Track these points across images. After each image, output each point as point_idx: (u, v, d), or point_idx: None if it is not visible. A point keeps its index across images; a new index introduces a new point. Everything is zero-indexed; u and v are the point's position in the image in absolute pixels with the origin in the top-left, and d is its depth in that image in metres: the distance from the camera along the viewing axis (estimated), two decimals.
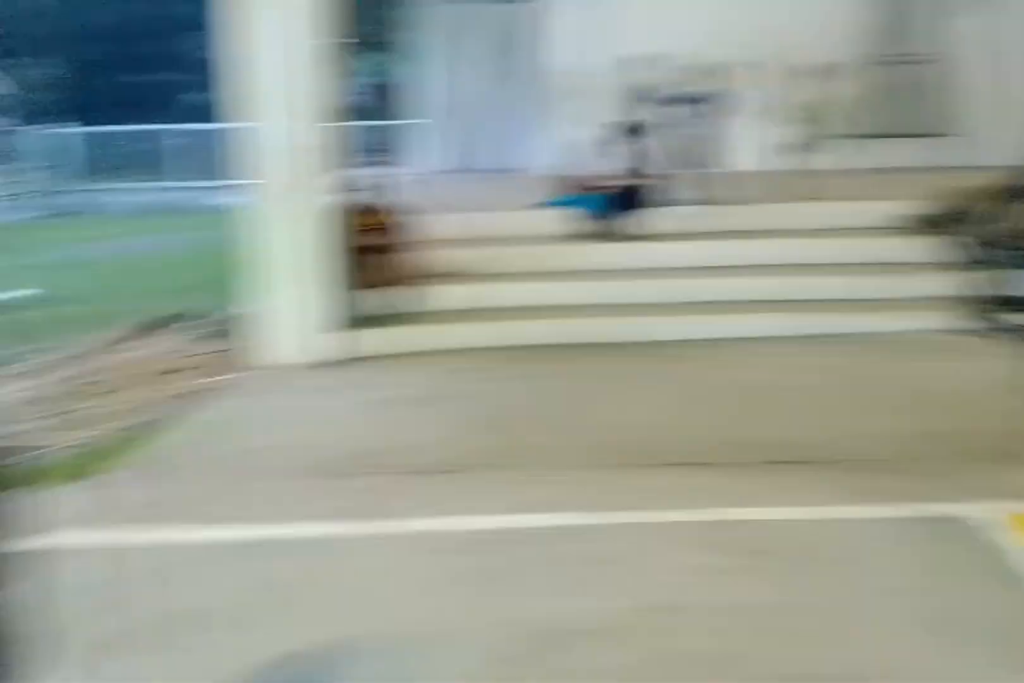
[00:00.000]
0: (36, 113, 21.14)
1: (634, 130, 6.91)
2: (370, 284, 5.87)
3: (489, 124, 12.60)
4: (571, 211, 6.87)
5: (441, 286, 6.14)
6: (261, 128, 5.37)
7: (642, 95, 7.57)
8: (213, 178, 14.41)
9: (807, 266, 6.36)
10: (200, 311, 6.83)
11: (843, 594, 2.65)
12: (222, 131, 7.82)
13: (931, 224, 6.45)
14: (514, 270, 6.39)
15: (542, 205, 7.29)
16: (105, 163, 17.74)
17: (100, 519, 3.29)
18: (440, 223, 6.83)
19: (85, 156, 18.37)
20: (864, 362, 5.14)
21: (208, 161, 15.07)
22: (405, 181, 11.35)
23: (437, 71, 12.76)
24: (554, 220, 6.89)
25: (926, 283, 6.09)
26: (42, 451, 4.18)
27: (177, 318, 7.09)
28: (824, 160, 9.97)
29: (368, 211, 5.91)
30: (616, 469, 3.70)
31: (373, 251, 5.79)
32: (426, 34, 12.42)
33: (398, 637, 2.49)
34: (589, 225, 6.75)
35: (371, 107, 24.76)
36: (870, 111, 9.88)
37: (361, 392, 4.97)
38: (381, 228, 5.88)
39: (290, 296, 5.55)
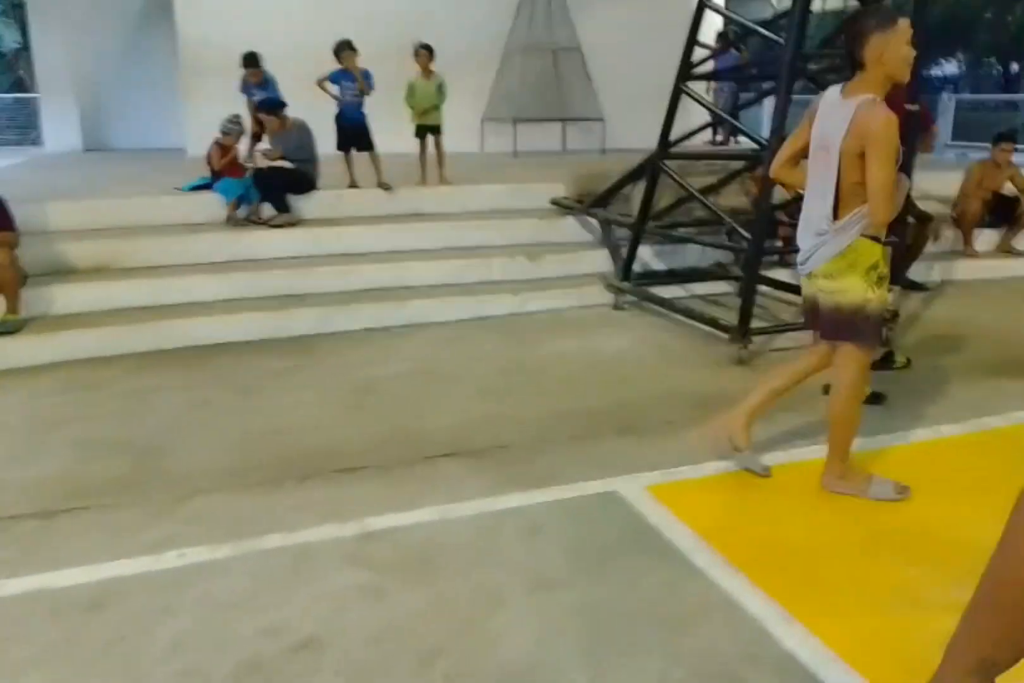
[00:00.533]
0: None
1: (270, 107, 6.41)
2: None
3: (130, 100, 11.28)
4: (211, 196, 6.24)
5: (59, 286, 5.24)
6: None
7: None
8: None
9: (470, 248, 6.33)
10: None
11: (503, 594, 2.51)
12: None
13: (580, 204, 6.74)
14: (148, 264, 5.64)
15: (179, 189, 6.58)
16: None
17: None
18: (56, 213, 5.87)
19: None
20: (519, 343, 5.18)
21: None
22: (18, 164, 9.82)
23: (61, 40, 11.14)
24: (196, 205, 6.22)
25: (581, 261, 6.34)
26: None
27: None
28: (471, 143, 10.28)
29: None
30: (261, 487, 3.30)
31: None
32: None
33: None
34: (230, 211, 6.17)
35: None
36: (515, 96, 10.25)
37: None
38: None
39: None
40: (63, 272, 5.43)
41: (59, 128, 11.54)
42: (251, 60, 7.46)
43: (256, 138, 7.21)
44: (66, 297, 5.22)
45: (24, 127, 13.18)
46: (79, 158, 10.63)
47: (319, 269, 5.78)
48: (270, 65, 7.74)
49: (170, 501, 3.18)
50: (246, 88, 7.66)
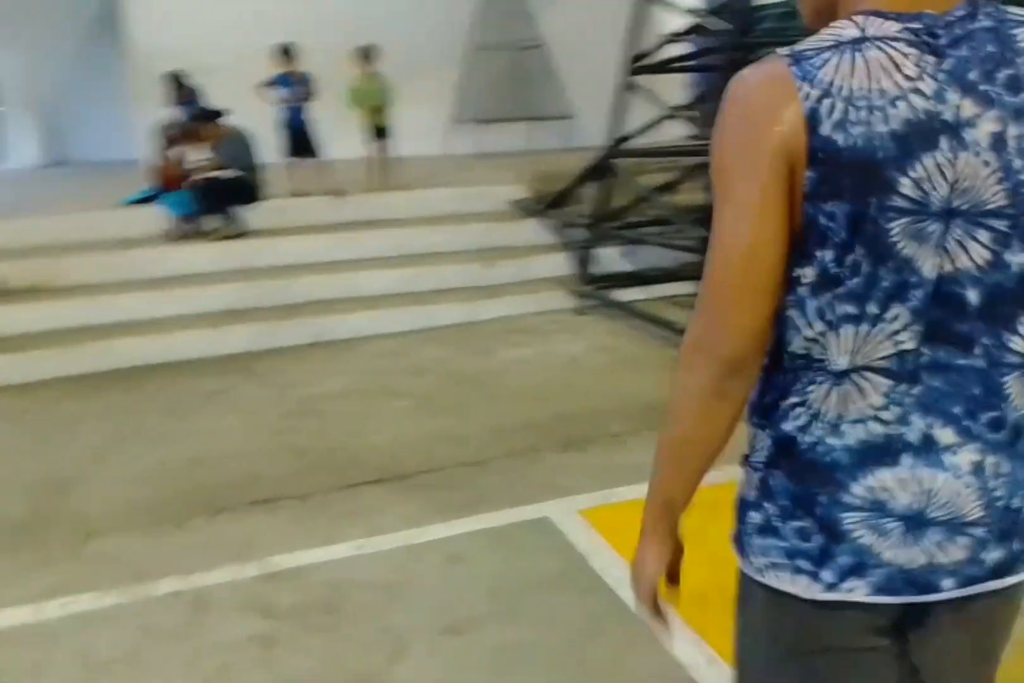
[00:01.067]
0: None
1: (202, 115, 6.18)
2: None
3: (83, 111, 11.06)
4: (156, 209, 6.01)
5: None
6: None
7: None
8: None
9: (421, 255, 6.11)
10: None
11: (408, 639, 2.29)
12: None
13: (538, 206, 6.52)
14: (83, 282, 5.40)
15: (123, 203, 6.36)
16: None
17: None
18: None
19: None
20: (469, 353, 4.96)
21: None
22: None
23: (16, 57, 10.92)
24: (135, 220, 5.99)
25: (538, 265, 6.11)
26: None
27: None
28: (434, 145, 10.03)
29: None
30: (167, 524, 3.07)
31: None
32: None
33: None
34: (176, 224, 5.94)
35: None
36: (479, 96, 10.03)
37: None
38: None
39: None
40: None
41: (18, 144, 11.32)
42: (175, 81, 7.24)
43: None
44: None
45: None
46: (37, 174, 10.40)
47: (261, 282, 5.55)
48: (215, 72, 7.50)
49: (66, 545, 2.95)
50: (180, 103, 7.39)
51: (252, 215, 6.12)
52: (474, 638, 2.31)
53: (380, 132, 6.87)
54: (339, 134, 6.72)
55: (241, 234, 5.98)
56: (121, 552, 2.88)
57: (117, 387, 4.62)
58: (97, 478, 3.50)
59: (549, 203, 6.46)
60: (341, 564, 2.71)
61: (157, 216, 5.97)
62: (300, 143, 6.49)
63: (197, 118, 6.13)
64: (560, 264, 6.15)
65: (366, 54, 6.67)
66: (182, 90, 7.22)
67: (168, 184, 6.07)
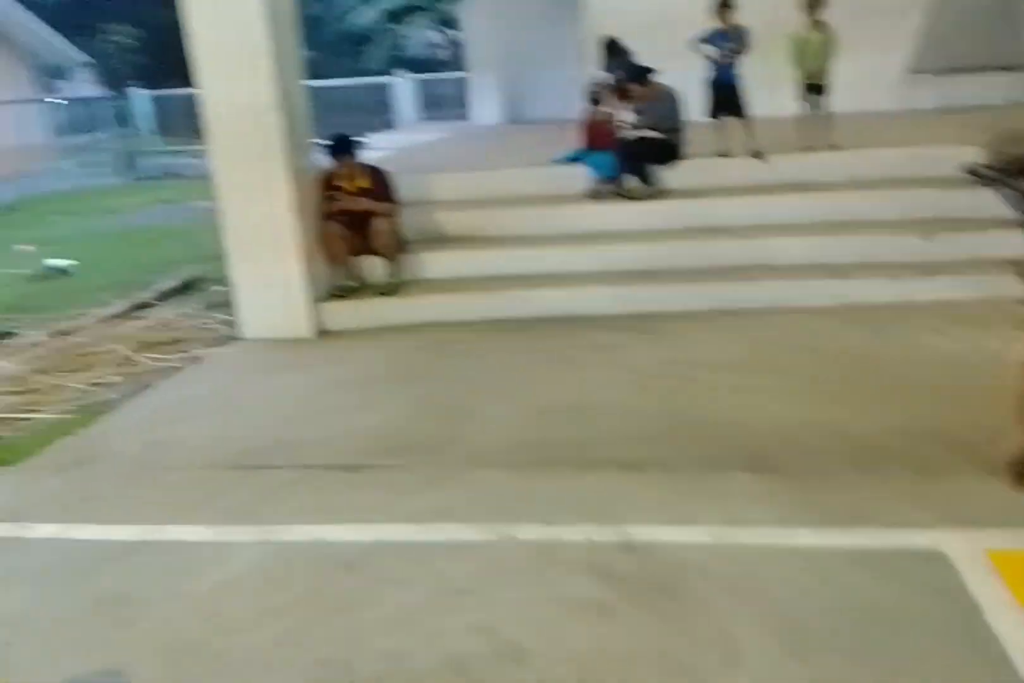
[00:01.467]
0: (120, 78, 21.62)
1: (635, 72, 6.18)
2: (353, 252, 5.48)
3: (540, 73, 11.90)
4: (581, 168, 6.26)
5: (431, 253, 5.69)
6: (211, 89, 4.99)
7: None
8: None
9: (846, 223, 5.56)
10: (217, 279, 6.61)
11: (742, 650, 2.13)
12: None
13: (996, 173, 5.51)
14: (510, 234, 5.86)
15: (553, 161, 6.71)
16: (187, 127, 17.90)
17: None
18: (440, 184, 6.36)
19: (165, 120, 18.64)
20: (883, 338, 4.41)
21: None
22: (419, 140, 10.88)
23: (486, 25, 12.10)
24: (563, 178, 6.29)
25: (990, 242, 5.20)
26: None
27: (190, 287, 6.97)
28: (881, 100, 8.93)
29: (352, 174, 5.45)
30: (539, 468, 3.22)
31: (357, 217, 5.37)
32: None
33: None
34: (599, 183, 6.12)
35: (438, 60, 24.34)
36: (946, 42, 8.72)
37: (317, 373, 4.64)
38: (365, 192, 5.43)
39: (257, 269, 5.22)
40: (437, 240, 5.87)
41: (483, 103, 12.62)
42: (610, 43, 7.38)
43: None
44: (437, 264, 5.65)
45: (459, 104, 14.76)
46: (492, 130, 11.53)
47: (673, 243, 5.50)
48: (655, 31, 7.49)
49: (452, 470, 3.25)
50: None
51: (672, 175, 6.07)
52: (819, 670, 2.05)
53: (816, 88, 6.31)
54: (767, 90, 6.31)
55: (659, 194, 5.97)
56: (494, 487, 3.09)
57: (527, 332, 4.95)
58: (490, 412, 3.81)
59: (1017, 169, 5.41)
60: (693, 549, 2.60)
61: (582, 174, 6.20)
62: (727, 101, 6.22)
63: (627, 78, 6.19)
64: (1020, 244, 5.15)
65: (813, 2, 6.12)
66: (615, 51, 7.37)
67: (595, 143, 6.26)
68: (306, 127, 5.37)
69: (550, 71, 11.88)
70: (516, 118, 12.30)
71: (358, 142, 5.65)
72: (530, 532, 2.76)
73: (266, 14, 4.86)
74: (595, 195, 6.12)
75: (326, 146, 5.52)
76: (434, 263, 5.63)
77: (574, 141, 6.59)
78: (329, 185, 5.40)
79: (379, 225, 5.37)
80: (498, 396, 4.01)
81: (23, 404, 4.58)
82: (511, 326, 5.09)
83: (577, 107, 6.99)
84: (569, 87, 11.42)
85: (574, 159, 6.44)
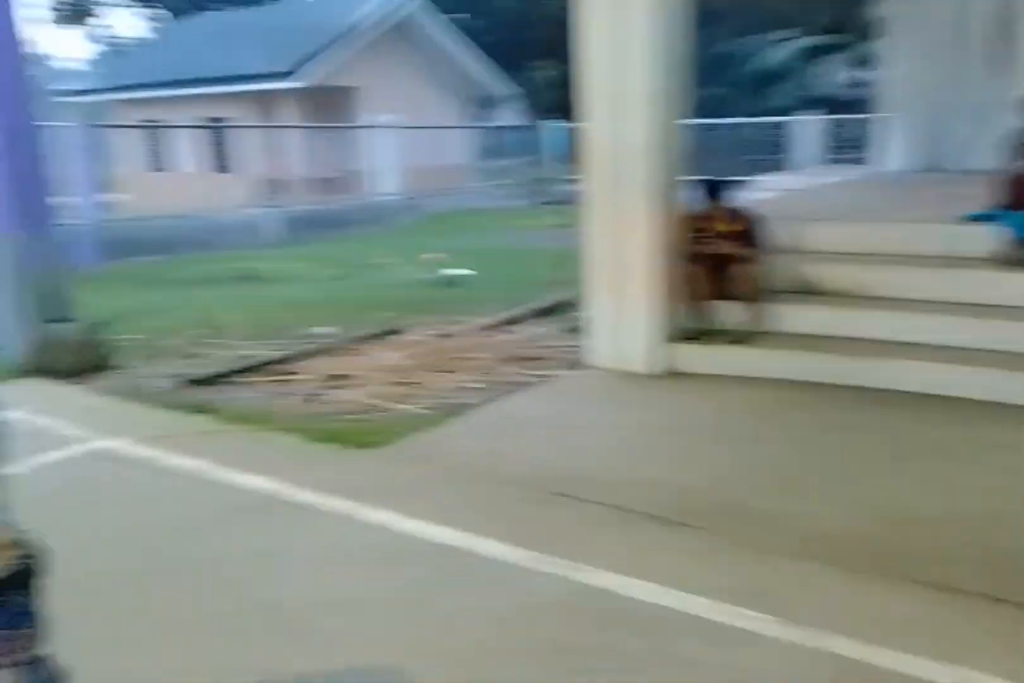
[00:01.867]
0: (542, 110, 23.70)
1: None
2: (713, 296, 5.37)
3: (960, 121, 10.71)
4: (995, 227, 5.47)
5: (795, 305, 5.37)
6: (591, 124, 5.19)
7: None
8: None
9: None
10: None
11: None
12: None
13: None
14: (890, 295, 5.31)
15: (964, 219, 5.96)
16: None
17: (338, 489, 3.62)
18: (819, 233, 5.99)
19: (571, 150, 20.03)
20: None
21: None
22: (812, 183, 10.26)
23: (903, 60, 11.19)
24: (968, 238, 5.56)
25: None
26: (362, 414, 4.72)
27: (558, 308, 7.37)
28: None
29: (721, 216, 5.36)
30: (887, 580, 2.82)
31: (721, 260, 5.27)
32: (895, 20, 10.97)
33: None
34: (1014, 246, 5.30)
35: (849, 101, 23.08)
36: None
37: (655, 412, 4.62)
38: (733, 235, 5.30)
39: (613, 301, 5.34)
40: (804, 292, 5.52)
41: (889, 148, 11.68)
42: None
43: None
44: (799, 317, 5.31)
45: (863, 147, 13.82)
46: (896, 178, 10.62)
47: None
48: None
49: (762, 550, 3.00)
50: None
51: None
52: None
53: None
54: None
55: None
56: (818, 587, 2.78)
57: (886, 408, 4.46)
58: (828, 495, 3.46)
59: None
60: None
61: (992, 235, 5.43)
62: None
63: None
64: None
65: None
66: None
67: (1017, 201, 5.43)
68: (679, 168, 5.36)
69: (971, 120, 10.66)
70: (927, 166, 11.21)
71: (729, 185, 5.53)
72: (843, 647, 2.43)
73: (652, 57, 4.94)
74: (1006, 259, 5.32)
75: (699, 187, 5.48)
76: (795, 316, 5.30)
77: (990, 197, 5.79)
78: (696, 226, 5.35)
79: (740, 270, 5.20)
80: (845, 480, 3.62)
81: (396, 394, 5.15)
82: (869, 397, 4.61)
83: (999, 160, 6.15)
84: (990, 139, 10.16)
85: (989, 217, 5.66)
